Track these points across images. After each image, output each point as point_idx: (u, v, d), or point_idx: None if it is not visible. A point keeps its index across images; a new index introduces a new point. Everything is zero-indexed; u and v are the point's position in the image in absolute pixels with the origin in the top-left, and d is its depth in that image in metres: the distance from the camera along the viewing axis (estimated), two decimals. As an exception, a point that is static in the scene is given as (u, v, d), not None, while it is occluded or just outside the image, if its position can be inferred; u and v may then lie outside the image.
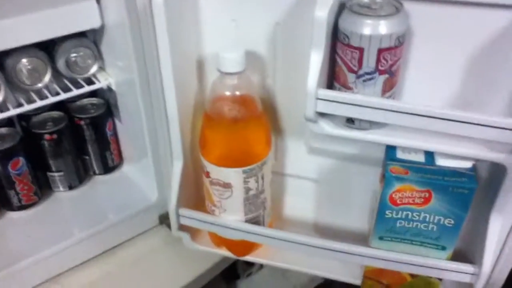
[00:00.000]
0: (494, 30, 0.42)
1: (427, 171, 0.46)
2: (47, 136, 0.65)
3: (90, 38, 0.65)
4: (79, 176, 0.71)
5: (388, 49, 0.41)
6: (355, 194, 0.57)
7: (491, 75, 0.44)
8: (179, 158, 0.53)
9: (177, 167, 0.54)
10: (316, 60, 0.42)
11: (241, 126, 0.48)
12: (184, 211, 0.55)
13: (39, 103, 0.60)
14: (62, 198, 0.71)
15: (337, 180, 0.57)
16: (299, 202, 0.61)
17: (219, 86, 0.47)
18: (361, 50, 0.41)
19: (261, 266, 0.91)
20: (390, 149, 0.48)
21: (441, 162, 0.47)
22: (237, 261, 0.70)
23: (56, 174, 0.69)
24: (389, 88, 0.44)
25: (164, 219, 0.70)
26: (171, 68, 0.46)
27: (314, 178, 0.58)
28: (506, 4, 0.40)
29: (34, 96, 0.61)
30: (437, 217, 0.47)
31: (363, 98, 0.42)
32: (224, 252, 0.59)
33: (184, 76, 0.50)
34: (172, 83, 0.47)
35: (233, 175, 0.50)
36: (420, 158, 0.48)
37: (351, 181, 0.56)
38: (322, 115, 0.45)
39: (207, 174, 0.51)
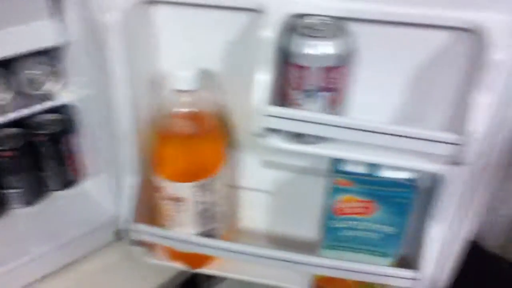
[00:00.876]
0: (431, 49, 0.45)
1: (370, 183, 0.49)
2: (4, 153, 0.65)
3: (51, 55, 0.65)
4: (37, 192, 0.71)
5: (332, 68, 0.44)
6: (307, 205, 0.59)
7: (430, 92, 0.48)
8: (132, 173, 0.54)
9: (131, 182, 0.55)
10: (262, 79, 0.44)
11: (193, 142, 0.50)
12: (137, 226, 0.55)
13: (-1, 120, 0.60)
14: (18, 215, 0.70)
15: (290, 192, 0.60)
16: (255, 214, 0.63)
17: (173, 103, 0.49)
18: (305, 69, 0.44)
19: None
20: (336, 162, 0.51)
21: (384, 173, 0.50)
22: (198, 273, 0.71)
23: (13, 191, 0.68)
24: (334, 104, 0.46)
25: (121, 234, 0.70)
26: (125, 86, 0.48)
27: (268, 190, 0.60)
28: (441, 25, 0.43)
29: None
30: (379, 226, 0.50)
31: (306, 114, 0.45)
32: (179, 265, 0.60)
33: (139, 93, 0.51)
34: (126, 98, 0.49)
35: (185, 190, 0.51)
36: (365, 169, 0.50)
37: (303, 193, 0.59)
38: (271, 130, 0.48)
39: (160, 189, 0.53)
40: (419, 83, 0.48)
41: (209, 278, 0.91)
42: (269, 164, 0.58)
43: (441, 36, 0.44)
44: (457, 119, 0.46)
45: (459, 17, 0.41)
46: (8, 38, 0.56)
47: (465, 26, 0.42)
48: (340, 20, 0.44)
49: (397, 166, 0.48)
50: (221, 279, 0.92)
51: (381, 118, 0.49)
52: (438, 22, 0.42)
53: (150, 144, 0.54)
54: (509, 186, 1.11)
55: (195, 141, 0.50)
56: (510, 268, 1.11)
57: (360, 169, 0.50)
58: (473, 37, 0.42)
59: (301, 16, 0.45)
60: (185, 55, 0.51)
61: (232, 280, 0.90)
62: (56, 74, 0.65)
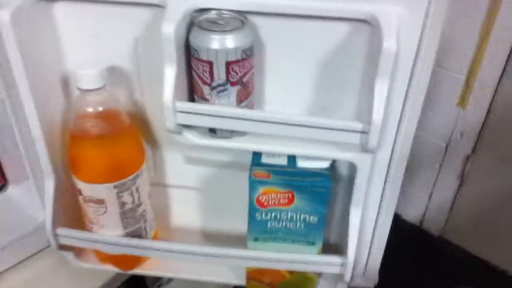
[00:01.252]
0: (333, 40, 0.45)
1: (289, 173, 0.49)
2: None
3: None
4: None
5: (236, 61, 0.43)
6: (234, 199, 0.58)
7: (340, 82, 0.48)
8: (49, 177, 0.52)
9: (49, 186, 0.53)
10: (169, 74, 0.43)
11: (106, 142, 0.49)
12: (60, 230, 0.54)
13: None
14: None
15: (216, 187, 0.59)
16: (184, 211, 0.62)
17: (80, 103, 0.47)
18: (210, 63, 0.43)
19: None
20: (255, 155, 0.51)
21: (301, 164, 0.50)
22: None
23: None
24: (244, 98, 0.46)
25: (50, 240, 0.68)
26: (27, 87, 0.46)
27: (194, 186, 0.60)
28: (342, 17, 0.43)
29: None
30: (302, 215, 0.51)
31: (217, 109, 0.44)
32: (111, 267, 0.59)
33: (46, 93, 0.49)
34: (31, 100, 0.47)
35: (105, 191, 0.50)
36: (283, 161, 0.51)
37: (229, 187, 0.58)
38: (186, 126, 0.47)
39: (80, 192, 0.51)
40: (326, 73, 0.48)
41: (157, 278, 0.90)
42: (192, 160, 0.58)
43: (341, 28, 0.44)
44: (364, 108, 0.47)
45: (355, 9, 0.42)
46: None
47: (361, 17, 0.42)
48: (241, 13, 0.43)
49: (312, 156, 0.48)
50: (168, 279, 0.91)
51: (293, 109, 0.49)
52: (336, 15, 0.43)
53: (65, 145, 0.53)
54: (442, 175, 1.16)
55: (108, 141, 0.49)
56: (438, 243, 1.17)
57: (278, 161, 0.50)
58: (370, 27, 0.43)
59: (203, 10, 0.44)
60: (91, 53, 0.49)
61: (179, 279, 0.91)
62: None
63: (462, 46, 0.98)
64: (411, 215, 1.30)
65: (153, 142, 0.56)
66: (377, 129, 0.42)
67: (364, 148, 0.44)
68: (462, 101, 1.06)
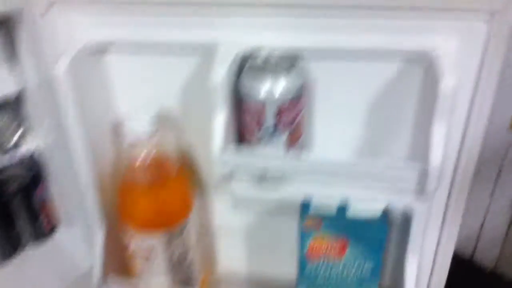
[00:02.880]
0: (384, 81, 0.44)
1: (340, 222, 0.47)
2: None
3: (11, 105, 0.64)
4: (8, 249, 0.69)
5: (286, 105, 0.42)
6: (282, 243, 0.57)
7: (392, 122, 0.47)
8: (99, 225, 0.52)
9: (98, 235, 0.53)
10: (219, 121, 0.43)
11: (157, 190, 0.48)
12: (109, 279, 0.53)
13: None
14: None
15: (264, 230, 0.58)
16: (232, 255, 0.61)
17: (131, 151, 0.47)
18: (261, 108, 0.42)
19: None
20: (305, 201, 0.49)
21: (353, 210, 0.48)
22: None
23: (-19, 249, 0.66)
24: (294, 141, 0.45)
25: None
26: (79, 135, 0.47)
27: (241, 230, 0.58)
28: (393, 57, 0.42)
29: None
30: (355, 265, 0.48)
31: (268, 154, 0.43)
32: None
33: (97, 141, 0.50)
34: (83, 149, 0.48)
35: (155, 240, 0.49)
36: (334, 209, 0.48)
37: (276, 231, 0.57)
38: (234, 172, 0.46)
39: (129, 240, 0.51)
40: (377, 114, 0.47)
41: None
42: (240, 203, 0.56)
43: (393, 68, 0.43)
44: (419, 147, 0.45)
45: (408, 43, 0.40)
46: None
47: (414, 54, 0.40)
48: (291, 56, 0.43)
49: (364, 201, 0.46)
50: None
51: (343, 151, 0.48)
52: (387, 48, 0.41)
53: (116, 194, 0.53)
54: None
55: (159, 189, 0.49)
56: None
57: (329, 208, 0.48)
58: (422, 66, 0.42)
59: (253, 54, 0.43)
60: (141, 99, 0.50)
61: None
62: (19, 123, 0.64)
63: None
64: (461, 245, 1.23)
65: (201, 186, 0.56)
66: (436, 172, 0.40)
67: (421, 192, 0.42)
68: (514, 125, 1.01)
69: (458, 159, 0.45)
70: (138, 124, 0.46)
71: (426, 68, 0.42)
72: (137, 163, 0.47)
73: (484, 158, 1.07)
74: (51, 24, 0.45)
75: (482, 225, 1.17)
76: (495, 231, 1.15)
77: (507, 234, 1.14)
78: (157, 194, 0.49)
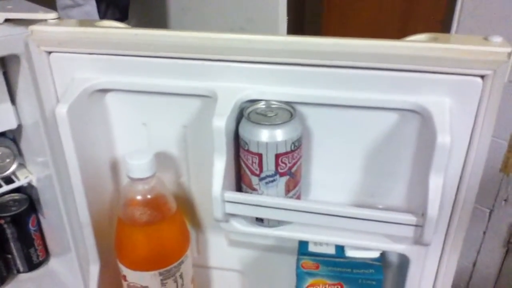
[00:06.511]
0: (381, 129, 0.45)
1: (337, 264, 0.47)
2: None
3: (9, 137, 0.64)
4: (1, 276, 0.68)
5: (285, 153, 0.43)
6: (279, 283, 0.57)
7: (389, 169, 0.47)
8: (95, 262, 0.52)
9: (94, 271, 0.53)
10: (219, 166, 0.43)
11: (153, 229, 0.49)
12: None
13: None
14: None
15: (259, 270, 0.58)
16: (226, 294, 0.61)
17: (129, 191, 0.48)
18: (259, 155, 0.43)
19: None
20: (302, 243, 0.50)
21: (350, 253, 0.48)
22: None
23: (-23, 276, 0.66)
24: (292, 187, 0.45)
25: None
26: (79, 173, 0.47)
27: (237, 269, 0.58)
28: (386, 107, 0.43)
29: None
30: (351, 308, 0.48)
31: (265, 199, 0.44)
32: None
33: (96, 179, 0.50)
34: (81, 187, 0.48)
35: (150, 278, 0.49)
36: (331, 250, 0.49)
37: (273, 271, 0.57)
38: (233, 215, 0.47)
39: (124, 278, 0.51)
40: (374, 161, 0.47)
41: None
42: (236, 243, 0.57)
43: (390, 117, 0.44)
44: (415, 194, 0.46)
45: (405, 100, 0.41)
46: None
47: (411, 108, 0.42)
48: (289, 104, 0.44)
49: (362, 247, 0.47)
50: None
51: (340, 196, 0.49)
52: (385, 106, 0.43)
53: (112, 229, 0.53)
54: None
55: (155, 228, 0.49)
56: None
57: (326, 250, 0.49)
58: (419, 116, 0.43)
59: (252, 101, 0.44)
60: (140, 140, 0.50)
61: None
62: (16, 155, 0.65)
63: (504, 111, 0.97)
64: (455, 283, 1.23)
65: (197, 225, 0.56)
66: (432, 223, 0.41)
67: (418, 242, 0.42)
68: (505, 167, 1.03)
69: (454, 206, 0.45)
70: (138, 166, 0.46)
71: (421, 117, 0.42)
72: (135, 203, 0.48)
73: (477, 198, 1.08)
74: (47, 69, 0.46)
75: (475, 263, 1.17)
76: (489, 269, 1.15)
77: (500, 271, 1.14)
78: (153, 233, 0.49)
